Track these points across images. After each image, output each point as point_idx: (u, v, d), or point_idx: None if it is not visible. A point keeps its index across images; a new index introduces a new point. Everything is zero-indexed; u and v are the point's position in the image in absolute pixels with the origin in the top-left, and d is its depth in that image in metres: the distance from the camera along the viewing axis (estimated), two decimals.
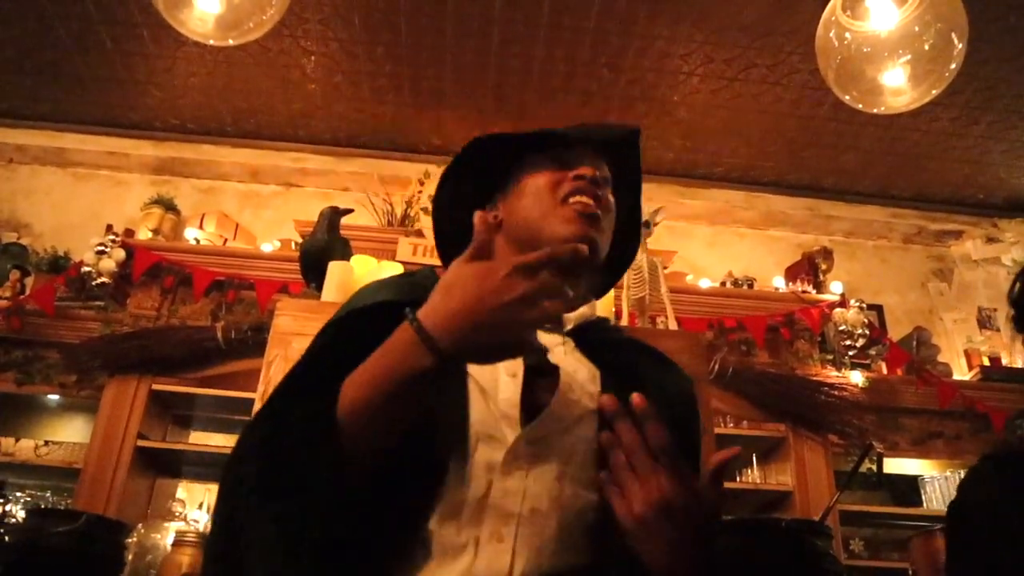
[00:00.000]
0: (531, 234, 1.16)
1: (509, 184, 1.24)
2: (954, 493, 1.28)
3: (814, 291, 4.23)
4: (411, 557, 0.94)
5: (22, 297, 3.82)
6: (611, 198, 1.21)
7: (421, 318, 0.86)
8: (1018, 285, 1.34)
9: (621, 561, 0.91)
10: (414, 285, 1.19)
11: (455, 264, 0.89)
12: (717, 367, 3.60)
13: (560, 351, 1.10)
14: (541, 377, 1.04)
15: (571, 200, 1.15)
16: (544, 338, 1.10)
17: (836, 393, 3.72)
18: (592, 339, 1.16)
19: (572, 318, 1.16)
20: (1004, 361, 4.41)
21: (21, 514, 3.32)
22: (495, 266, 0.84)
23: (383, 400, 0.88)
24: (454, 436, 0.98)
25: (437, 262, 4.11)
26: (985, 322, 4.71)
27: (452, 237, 1.30)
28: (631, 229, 1.35)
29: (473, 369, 1.02)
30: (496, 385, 1.01)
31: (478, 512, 0.93)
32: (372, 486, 0.92)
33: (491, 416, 0.99)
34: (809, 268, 4.39)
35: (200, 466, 3.72)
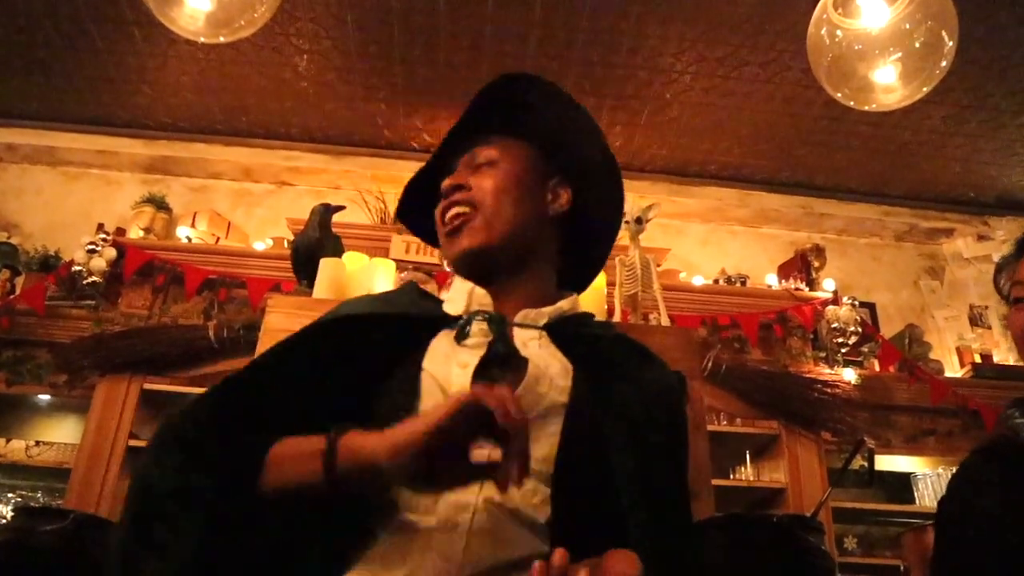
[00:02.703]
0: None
1: None
2: (946, 490, 1.28)
3: (807, 288, 4.24)
4: (365, 545, 0.95)
5: (12, 297, 3.81)
6: (490, 176, 1.22)
7: (345, 438, 0.90)
8: (1002, 279, 1.35)
9: (575, 553, 0.91)
10: (386, 301, 1.26)
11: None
12: (710, 364, 3.60)
13: (534, 345, 1.11)
14: (509, 370, 1.04)
15: (444, 230, 1.22)
16: (520, 333, 1.12)
17: (829, 390, 3.72)
18: (570, 333, 1.16)
19: (548, 312, 1.17)
20: (996, 358, 4.42)
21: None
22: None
23: (288, 482, 0.94)
24: None
25: (432, 260, 4.07)
26: (976, 319, 4.73)
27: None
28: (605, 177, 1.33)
29: (428, 363, 1.06)
30: (449, 378, 1.03)
31: (433, 501, 0.93)
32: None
33: None
34: (802, 266, 4.41)
35: None
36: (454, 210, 1.19)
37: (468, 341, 1.09)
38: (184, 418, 1.02)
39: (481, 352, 1.06)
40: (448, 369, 1.04)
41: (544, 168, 1.27)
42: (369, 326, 1.13)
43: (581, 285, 1.36)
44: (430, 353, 1.07)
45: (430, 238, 1.34)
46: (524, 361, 1.05)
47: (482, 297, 1.16)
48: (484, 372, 1.03)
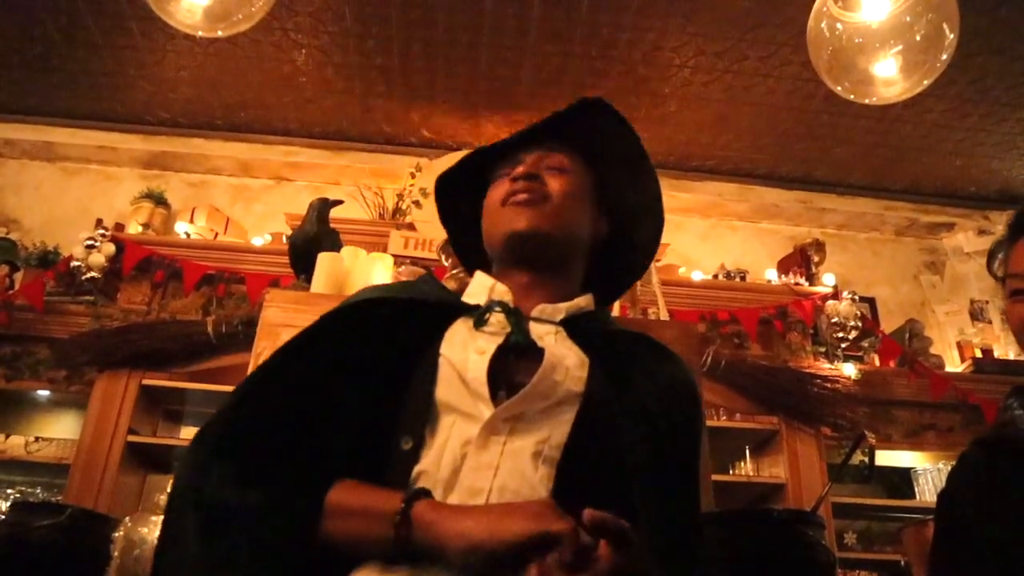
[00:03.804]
0: (491, 245, 1.25)
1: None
2: (945, 482, 1.27)
3: (807, 283, 4.23)
4: None
5: (11, 292, 3.80)
6: (559, 180, 1.23)
7: (419, 508, 0.88)
8: (996, 264, 1.34)
9: None
10: (407, 287, 1.28)
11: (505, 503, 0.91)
12: (710, 359, 3.59)
13: (551, 339, 1.12)
14: (525, 359, 1.04)
15: (509, 202, 1.21)
16: (536, 327, 1.13)
17: (829, 385, 3.71)
18: (587, 329, 1.16)
19: (565, 307, 1.17)
20: (996, 353, 4.41)
21: None
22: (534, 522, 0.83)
23: (352, 538, 0.92)
24: (427, 413, 1.00)
25: (428, 254, 4.06)
26: (977, 314, 4.72)
27: (466, 244, 1.38)
28: (648, 224, 1.35)
29: (445, 349, 1.06)
30: (466, 364, 1.03)
31: (449, 486, 0.94)
32: (346, 462, 0.97)
33: (466, 394, 1.01)
34: (802, 260, 4.39)
35: None
36: (528, 195, 1.20)
37: (486, 329, 1.10)
38: (228, 425, 1.01)
39: (499, 340, 1.07)
40: (465, 355, 1.04)
41: (595, 195, 1.30)
42: (390, 310, 1.15)
43: (602, 302, 1.38)
44: (448, 339, 1.08)
45: (458, 227, 1.38)
46: (540, 352, 1.05)
47: (503, 293, 1.17)
48: (500, 360, 1.04)
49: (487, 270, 1.29)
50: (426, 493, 0.91)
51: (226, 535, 0.90)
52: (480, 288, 1.21)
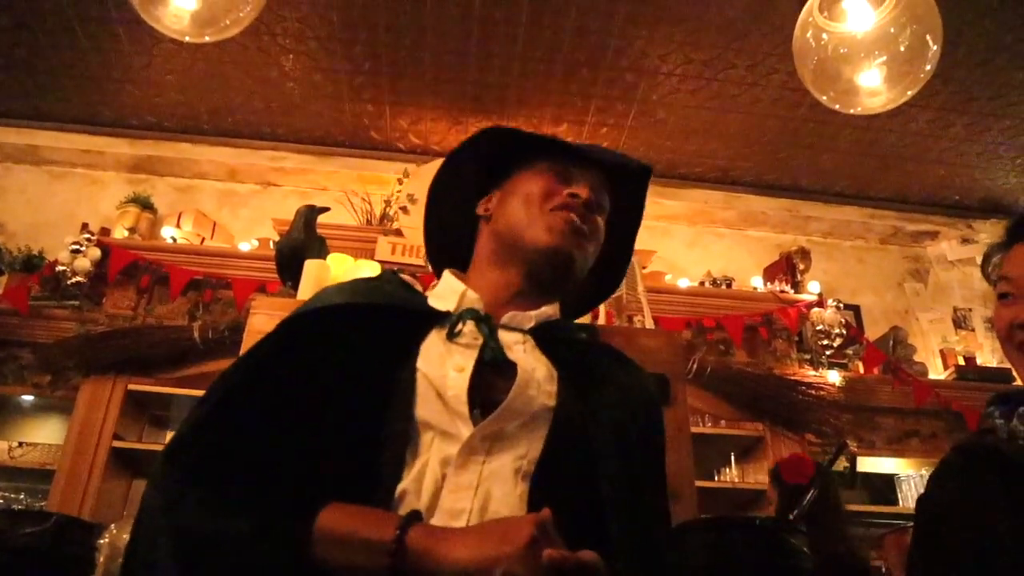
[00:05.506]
0: (513, 236, 1.22)
1: (506, 181, 1.29)
2: (925, 487, 1.28)
3: (792, 291, 4.26)
4: None
5: None
6: (600, 226, 1.25)
7: (413, 536, 0.85)
8: (990, 266, 1.35)
9: None
10: (372, 289, 1.22)
11: (497, 522, 0.90)
12: (695, 366, 3.61)
13: (520, 349, 1.11)
14: (498, 374, 1.04)
15: (566, 218, 1.19)
16: (505, 335, 1.12)
17: (813, 392, 3.74)
18: (553, 338, 1.16)
19: (534, 315, 1.17)
20: (979, 360, 4.45)
21: None
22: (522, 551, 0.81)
23: (343, 565, 0.88)
24: (407, 432, 0.98)
25: (417, 261, 4.05)
26: (960, 322, 4.76)
27: (441, 230, 1.37)
28: (618, 264, 1.40)
29: (422, 364, 1.04)
30: (445, 381, 1.02)
31: (430, 508, 0.92)
32: (327, 485, 0.94)
33: (444, 412, 0.99)
34: (787, 268, 4.42)
35: None
36: (587, 227, 1.21)
37: (460, 340, 1.08)
38: (202, 446, 0.97)
39: (474, 354, 1.06)
40: (444, 372, 1.03)
41: None
42: (362, 318, 1.10)
43: (573, 312, 1.40)
44: (424, 353, 1.06)
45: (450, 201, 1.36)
46: (513, 366, 1.05)
47: (474, 300, 1.16)
48: (476, 376, 1.03)
49: (452, 264, 1.29)
50: (418, 517, 0.89)
51: (211, 565, 0.87)
52: (449, 292, 1.20)
